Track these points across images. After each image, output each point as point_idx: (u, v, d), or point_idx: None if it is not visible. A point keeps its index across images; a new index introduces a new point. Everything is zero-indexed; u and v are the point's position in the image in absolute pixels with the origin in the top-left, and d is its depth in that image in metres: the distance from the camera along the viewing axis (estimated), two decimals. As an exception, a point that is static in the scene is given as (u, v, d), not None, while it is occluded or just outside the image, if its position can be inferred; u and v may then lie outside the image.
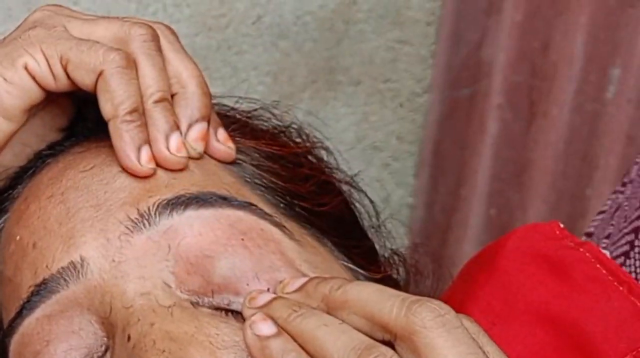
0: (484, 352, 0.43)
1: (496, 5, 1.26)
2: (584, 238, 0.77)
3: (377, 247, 0.64)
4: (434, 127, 1.33)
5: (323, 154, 0.64)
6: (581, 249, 0.57)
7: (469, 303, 0.59)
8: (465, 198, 1.32)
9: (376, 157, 1.30)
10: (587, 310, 0.47)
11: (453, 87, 1.31)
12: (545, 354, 0.56)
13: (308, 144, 0.63)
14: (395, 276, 0.64)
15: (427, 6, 1.28)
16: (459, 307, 0.57)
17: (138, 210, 0.51)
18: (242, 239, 0.50)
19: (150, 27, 0.56)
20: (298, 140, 0.63)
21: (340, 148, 0.67)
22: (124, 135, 0.52)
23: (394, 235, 0.68)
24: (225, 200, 0.51)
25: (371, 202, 0.65)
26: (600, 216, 0.76)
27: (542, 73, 1.24)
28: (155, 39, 0.55)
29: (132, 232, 0.50)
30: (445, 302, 0.45)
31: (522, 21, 1.24)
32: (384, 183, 1.31)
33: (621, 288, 0.56)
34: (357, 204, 0.65)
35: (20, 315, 0.51)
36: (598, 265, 0.57)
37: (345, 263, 0.56)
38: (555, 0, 1.21)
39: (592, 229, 0.76)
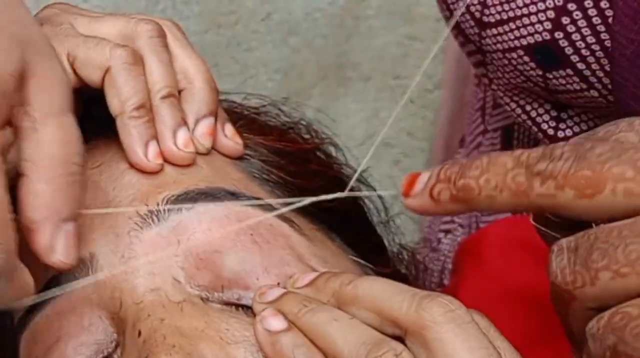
0: (494, 347, 0.43)
1: None
2: None
3: (385, 242, 0.64)
4: (445, 123, 1.32)
5: (332, 150, 0.64)
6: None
7: (458, 294, 0.59)
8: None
9: (387, 154, 1.29)
10: None
11: (464, 83, 1.31)
12: (529, 336, 0.57)
13: (317, 140, 0.63)
14: (404, 271, 0.64)
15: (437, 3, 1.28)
16: None
17: (147, 206, 0.51)
18: (251, 234, 0.50)
19: (157, 23, 0.56)
20: (306, 136, 0.63)
21: (350, 144, 0.67)
22: (131, 131, 0.52)
23: (404, 231, 0.68)
24: (233, 196, 0.51)
25: (380, 198, 0.65)
26: None
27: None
28: (162, 35, 0.56)
29: (141, 228, 0.50)
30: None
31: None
32: (395, 180, 1.31)
33: None
34: (366, 200, 0.64)
35: (30, 311, 0.51)
36: None
37: (355, 258, 0.56)
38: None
39: None
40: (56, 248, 0.45)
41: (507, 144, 0.71)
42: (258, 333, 0.46)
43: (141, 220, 0.51)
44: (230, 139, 0.56)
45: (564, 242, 0.42)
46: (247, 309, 0.49)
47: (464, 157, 0.76)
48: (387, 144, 1.29)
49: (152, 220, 0.51)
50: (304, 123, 0.63)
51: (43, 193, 0.44)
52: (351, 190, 0.63)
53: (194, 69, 0.55)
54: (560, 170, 0.40)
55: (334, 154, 0.64)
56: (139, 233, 0.50)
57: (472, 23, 0.61)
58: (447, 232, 0.76)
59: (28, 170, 0.44)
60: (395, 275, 0.59)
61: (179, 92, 0.55)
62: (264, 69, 1.22)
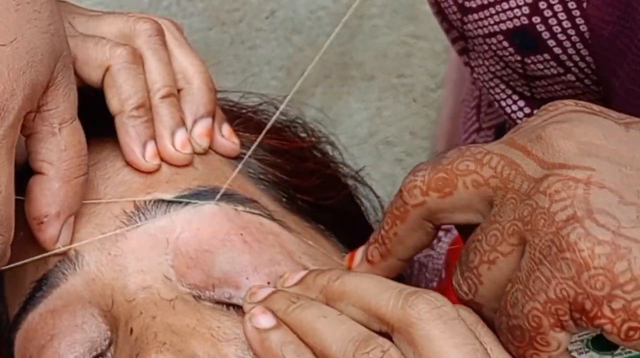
0: (480, 343, 0.43)
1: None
2: None
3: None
4: (447, 122, 1.32)
5: (328, 148, 0.64)
6: None
7: (449, 291, 0.60)
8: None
9: (389, 152, 1.30)
10: None
11: (467, 82, 1.31)
12: None
13: (313, 139, 0.63)
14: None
15: (441, 1, 1.28)
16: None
17: (135, 203, 0.51)
18: (241, 234, 0.51)
19: (156, 21, 0.56)
20: (303, 134, 0.63)
21: (353, 143, 0.67)
22: (130, 130, 0.53)
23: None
24: (224, 195, 0.52)
25: (377, 196, 0.66)
26: None
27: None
28: (161, 33, 0.56)
29: (126, 225, 0.51)
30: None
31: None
32: (397, 179, 1.31)
33: None
34: (362, 199, 0.65)
35: (24, 310, 0.52)
36: None
37: None
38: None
39: None
40: (60, 240, 0.50)
41: None
42: (247, 331, 0.47)
43: (127, 218, 0.51)
44: (227, 138, 0.56)
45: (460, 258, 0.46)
46: (238, 308, 0.49)
47: None
48: (389, 143, 1.29)
49: (139, 218, 0.51)
50: (300, 121, 0.63)
51: (59, 192, 0.49)
52: (347, 188, 0.63)
53: (193, 68, 0.56)
54: (420, 178, 0.46)
55: (330, 152, 0.64)
56: (126, 231, 0.51)
57: (455, 9, 0.62)
58: (446, 230, 0.76)
59: (46, 170, 0.49)
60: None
61: (178, 91, 0.55)
62: (268, 67, 1.22)
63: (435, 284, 0.72)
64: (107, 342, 0.50)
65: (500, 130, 0.73)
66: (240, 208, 0.52)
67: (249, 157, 0.57)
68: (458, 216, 0.46)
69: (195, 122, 0.55)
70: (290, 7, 1.21)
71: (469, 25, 0.62)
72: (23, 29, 0.46)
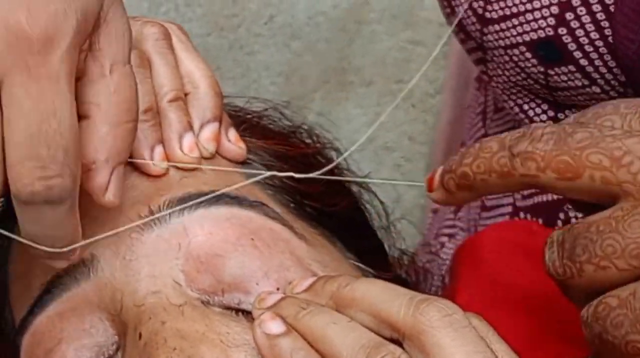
0: (492, 350, 0.43)
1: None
2: (430, 214, 0.82)
3: (386, 247, 0.65)
4: (446, 128, 1.32)
5: (333, 154, 0.64)
6: None
7: (456, 297, 0.60)
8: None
9: (388, 158, 1.30)
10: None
11: (466, 88, 1.31)
12: (527, 339, 0.57)
13: (318, 145, 0.63)
14: (404, 276, 0.64)
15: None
16: None
17: (149, 208, 0.51)
18: (252, 239, 0.50)
19: (162, 25, 0.56)
20: (308, 141, 0.63)
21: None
22: (138, 134, 0.53)
23: (405, 236, 0.68)
24: (235, 200, 0.52)
25: (381, 202, 0.65)
26: None
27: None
28: (167, 37, 0.56)
29: (142, 230, 0.51)
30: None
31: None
32: (396, 184, 1.31)
33: None
34: (367, 205, 0.65)
35: (31, 313, 0.51)
36: None
37: (356, 263, 0.57)
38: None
39: (438, 206, 0.81)
40: (109, 188, 0.48)
41: None
42: (257, 337, 0.46)
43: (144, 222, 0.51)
44: (233, 143, 0.56)
45: (554, 235, 0.44)
46: (248, 314, 0.49)
47: None
48: (388, 148, 1.29)
49: (154, 223, 0.51)
50: (305, 127, 0.63)
51: (107, 136, 0.47)
52: (352, 194, 0.63)
53: (199, 73, 0.56)
54: (539, 152, 0.43)
55: (335, 158, 0.64)
56: (140, 235, 0.51)
57: (474, 19, 0.62)
58: (450, 236, 0.76)
59: (93, 113, 0.47)
60: (396, 280, 0.59)
61: (184, 95, 0.55)
62: (266, 73, 1.22)
63: (439, 291, 0.72)
64: (114, 347, 0.50)
65: None
66: (252, 213, 0.51)
67: (255, 162, 0.57)
68: (569, 194, 0.44)
69: (202, 126, 0.55)
70: (289, 12, 1.21)
71: (489, 36, 0.61)
72: None
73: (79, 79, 0.46)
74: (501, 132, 0.75)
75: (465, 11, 0.61)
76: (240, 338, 0.48)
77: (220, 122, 0.55)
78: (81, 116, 0.46)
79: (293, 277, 0.50)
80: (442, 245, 0.75)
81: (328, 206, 0.58)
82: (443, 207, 0.79)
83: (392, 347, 0.44)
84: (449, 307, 0.44)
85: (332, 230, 0.57)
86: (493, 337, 0.45)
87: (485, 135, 0.75)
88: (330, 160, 0.63)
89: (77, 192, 0.45)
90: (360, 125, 1.28)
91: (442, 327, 0.43)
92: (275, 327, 0.46)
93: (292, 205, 0.55)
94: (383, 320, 0.45)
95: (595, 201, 0.43)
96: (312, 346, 0.45)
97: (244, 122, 0.60)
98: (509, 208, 0.67)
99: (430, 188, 0.48)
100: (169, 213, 0.51)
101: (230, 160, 0.56)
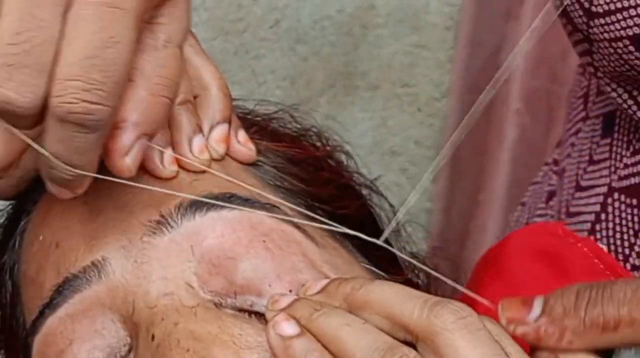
0: (506, 353, 0.43)
1: (515, 10, 1.26)
2: (519, 207, 0.82)
3: (397, 251, 0.64)
4: (452, 132, 1.32)
5: (343, 157, 0.64)
6: (579, 244, 0.58)
7: (476, 305, 0.60)
8: (484, 204, 1.31)
9: (394, 162, 1.30)
10: None
11: (471, 91, 1.31)
12: None
13: (328, 148, 0.63)
14: (415, 280, 0.64)
15: (446, 11, 1.28)
16: None
17: (160, 212, 0.51)
18: (264, 241, 0.50)
19: None
20: (318, 143, 0.63)
21: (358, 152, 0.67)
22: None
23: (412, 240, 0.68)
24: (247, 202, 0.52)
25: (391, 206, 0.65)
26: (532, 187, 0.81)
27: (561, 78, 1.24)
28: None
29: (154, 233, 0.50)
30: None
31: (541, 26, 1.24)
32: (402, 188, 1.31)
33: None
34: (376, 208, 0.64)
35: (43, 314, 0.51)
36: (596, 260, 0.57)
37: (367, 266, 0.56)
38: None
39: (525, 199, 0.81)
40: (130, 154, 0.48)
41: (607, 131, 0.72)
42: (270, 339, 0.46)
43: (155, 224, 0.51)
44: (243, 145, 0.56)
45: None
46: (261, 316, 0.49)
47: (559, 156, 0.77)
48: (394, 152, 1.29)
49: (165, 227, 0.51)
50: (315, 130, 0.63)
51: (143, 101, 0.48)
52: (361, 197, 0.63)
53: (209, 75, 0.56)
54: (622, 316, 0.44)
55: (345, 161, 0.64)
56: (152, 238, 0.50)
57: (581, 12, 0.63)
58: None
59: (136, 77, 0.48)
60: (408, 283, 0.59)
61: (194, 98, 0.55)
62: (272, 77, 1.22)
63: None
64: (126, 348, 0.49)
65: (609, 119, 0.73)
66: (263, 214, 0.51)
67: (265, 165, 0.57)
68: None
69: (211, 128, 0.55)
70: (294, 17, 1.21)
71: (594, 29, 0.63)
72: None
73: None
74: (603, 114, 0.75)
75: (573, 4, 0.63)
76: (253, 340, 0.47)
77: (230, 123, 0.55)
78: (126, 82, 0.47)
79: (306, 279, 0.50)
80: None
81: (339, 209, 0.58)
82: (533, 198, 0.79)
83: (407, 349, 0.44)
84: (463, 309, 0.43)
85: (343, 232, 0.57)
86: (507, 340, 0.45)
87: (587, 117, 0.75)
88: (340, 163, 0.63)
89: (110, 126, 0.46)
90: (367, 129, 1.28)
91: (456, 329, 0.43)
92: (289, 328, 0.46)
93: (303, 207, 0.55)
94: (397, 323, 0.45)
95: None
96: (325, 348, 0.45)
97: (253, 124, 0.60)
98: (604, 189, 0.68)
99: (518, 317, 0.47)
100: (180, 217, 0.50)
101: (240, 162, 0.55)
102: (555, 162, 0.78)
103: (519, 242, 0.62)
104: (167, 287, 0.49)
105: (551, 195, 0.77)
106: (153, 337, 0.47)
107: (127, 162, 0.48)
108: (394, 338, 0.45)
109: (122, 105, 0.47)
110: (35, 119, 0.44)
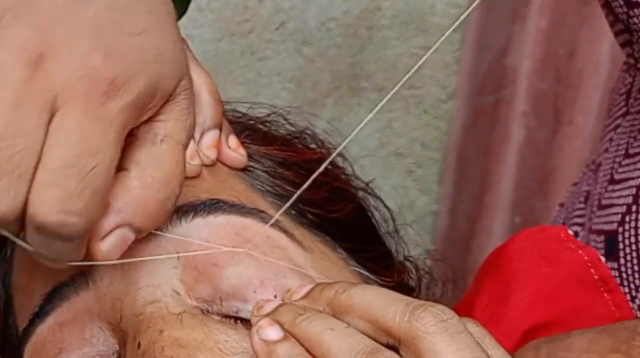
0: (488, 356, 0.43)
1: (521, 12, 1.26)
2: (557, 208, 0.82)
3: (394, 253, 0.64)
4: (458, 133, 1.32)
5: (339, 160, 0.64)
6: (580, 251, 0.58)
7: (475, 305, 0.60)
8: (490, 206, 1.31)
9: (400, 164, 1.30)
10: (570, 312, 0.48)
11: (477, 93, 1.31)
12: None
13: (322, 150, 0.63)
14: (411, 283, 0.64)
15: (452, 12, 1.28)
16: (468, 311, 0.58)
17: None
18: (248, 247, 0.50)
19: None
20: (312, 146, 0.63)
21: (363, 154, 0.67)
22: None
23: (418, 242, 0.68)
24: (233, 207, 0.52)
25: (387, 208, 0.65)
26: (572, 188, 0.80)
27: (567, 80, 1.24)
28: None
29: (141, 240, 0.51)
30: (458, 307, 0.45)
31: (547, 28, 1.23)
32: (408, 190, 1.31)
33: (606, 296, 0.57)
34: (374, 211, 0.64)
35: (32, 323, 0.52)
36: (592, 270, 0.57)
37: (358, 270, 0.57)
38: (580, 7, 1.20)
39: (564, 200, 0.80)
40: (106, 240, 0.46)
41: None
42: (255, 344, 0.46)
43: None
44: (234, 150, 0.56)
45: None
46: (246, 322, 0.49)
47: (591, 172, 0.77)
48: (399, 154, 1.29)
49: (152, 233, 0.51)
50: (309, 132, 0.63)
51: (131, 190, 0.46)
52: (356, 199, 0.63)
53: (200, 81, 0.56)
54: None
55: (341, 164, 0.64)
56: (139, 245, 0.51)
57: (622, 2, 0.64)
58: (581, 225, 0.76)
59: (130, 167, 0.46)
60: (400, 287, 0.59)
61: None
62: (278, 78, 1.22)
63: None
64: (115, 356, 0.50)
65: None
66: (248, 220, 0.52)
67: (257, 170, 0.57)
68: None
69: (202, 134, 0.55)
70: (300, 18, 1.22)
71: (634, 19, 0.63)
72: (154, 29, 0.46)
73: (129, 142, 0.46)
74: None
75: None
76: (239, 345, 0.47)
77: (221, 129, 0.55)
78: (118, 169, 0.46)
79: (290, 284, 0.50)
80: (576, 234, 0.74)
81: (331, 212, 0.58)
82: (571, 199, 0.79)
83: (388, 353, 0.44)
84: (444, 312, 0.44)
85: (335, 236, 0.57)
86: (490, 342, 0.45)
87: (627, 113, 0.75)
88: (336, 166, 0.63)
89: (88, 235, 0.45)
90: (372, 131, 1.28)
91: (437, 332, 0.43)
92: (272, 333, 0.46)
93: (293, 212, 0.55)
94: (379, 326, 0.45)
95: None
96: (309, 352, 0.45)
97: (246, 128, 0.60)
98: (638, 181, 0.67)
99: None
100: (168, 222, 0.51)
101: (231, 167, 0.56)
102: (594, 162, 0.78)
103: (519, 245, 0.62)
104: (153, 294, 0.49)
105: (589, 194, 0.77)
106: (139, 345, 0.48)
107: (101, 247, 0.46)
108: (377, 341, 0.45)
109: (110, 191, 0.45)
110: (19, 223, 0.44)
